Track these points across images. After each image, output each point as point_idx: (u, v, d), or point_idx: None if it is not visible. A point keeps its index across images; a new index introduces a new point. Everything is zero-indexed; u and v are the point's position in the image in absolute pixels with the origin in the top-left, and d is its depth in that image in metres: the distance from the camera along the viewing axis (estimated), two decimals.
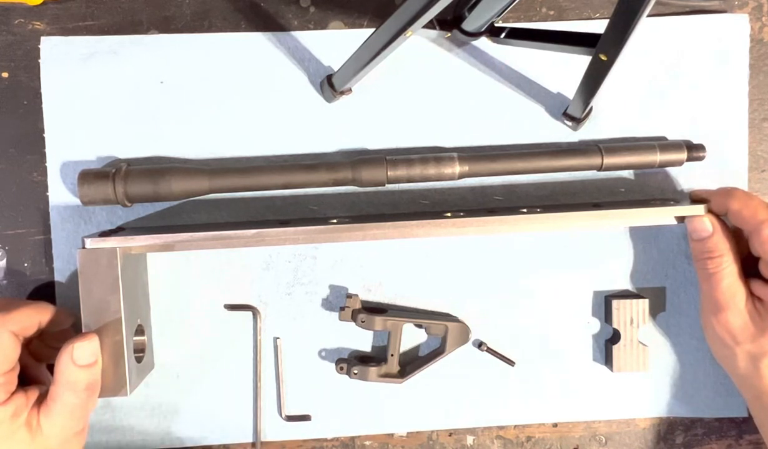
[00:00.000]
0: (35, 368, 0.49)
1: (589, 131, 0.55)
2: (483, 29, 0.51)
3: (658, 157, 0.52)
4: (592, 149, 0.52)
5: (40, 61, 0.52)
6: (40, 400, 0.44)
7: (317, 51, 0.53)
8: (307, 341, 0.55)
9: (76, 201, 0.52)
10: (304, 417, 0.55)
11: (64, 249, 0.52)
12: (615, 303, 0.54)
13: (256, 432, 0.54)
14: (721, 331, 0.49)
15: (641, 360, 0.54)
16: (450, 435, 0.56)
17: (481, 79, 0.54)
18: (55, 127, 0.52)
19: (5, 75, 0.52)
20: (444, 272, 0.55)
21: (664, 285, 0.56)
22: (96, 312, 0.46)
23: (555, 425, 0.56)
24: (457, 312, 0.55)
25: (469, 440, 0.56)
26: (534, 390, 0.56)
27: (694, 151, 0.53)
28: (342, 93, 0.52)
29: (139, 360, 0.49)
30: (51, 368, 0.47)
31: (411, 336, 0.55)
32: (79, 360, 0.43)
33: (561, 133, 0.55)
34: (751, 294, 0.49)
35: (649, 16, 0.38)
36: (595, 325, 0.56)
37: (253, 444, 0.54)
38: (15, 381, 0.44)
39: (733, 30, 0.55)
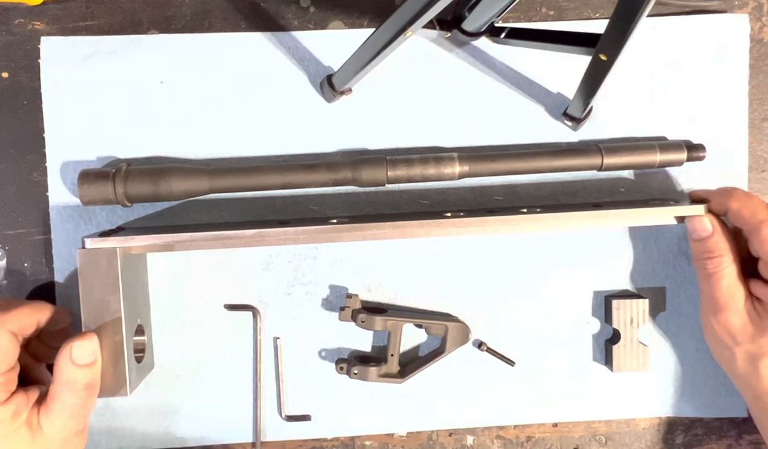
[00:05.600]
0: (35, 368, 0.49)
1: (589, 131, 0.55)
2: (483, 29, 0.51)
3: (658, 157, 0.52)
4: (592, 149, 0.52)
5: (40, 61, 0.52)
6: (41, 400, 0.44)
7: (317, 51, 0.53)
8: (307, 341, 0.55)
9: (76, 201, 0.52)
10: (304, 417, 0.55)
11: (64, 249, 0.52)
12: (615, 303, 0.54)
13: (256, 432, 0.54)
14: (721, 331, 0.49)
15: (641, 360, 0.54)
16: (450, 435, 0.56)
17: (481, 79, 0.54)
18: (55, 127, 0.52)
19: (5, 75, 0.52)
20: (444, 272, 0.55)
21: (664, 285, 0.56)
22: (96, 313, 0.46)
23: (555, 425, 0.57)
24: (457, 312, 0.55)
25: (469, 440, 0.56)
26: (534, 390, 0.56)
27: (694, 151, 0.53)
28: (342, 93, 0.52)
29: (139, 360, 0.49)
30: (51, 368, 0.47)
31: (411, 336, 0.55)
32: (78, 360, 0.43)
33: (561, 133, 0.55)
34: (751, 295, 0.49)
35: (649, 16, 0.38)
36: (595, 325, 0.56)
37: (253, 444, 0.54)
38: (15, 380, 0.44)
39: (733, 30, 0.55)
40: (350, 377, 0.53)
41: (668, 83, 0.55)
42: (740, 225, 0.48)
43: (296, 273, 0.54)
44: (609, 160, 0.52)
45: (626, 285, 0.56)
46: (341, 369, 0.53)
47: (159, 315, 0.53)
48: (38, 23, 0.52)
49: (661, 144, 0.53)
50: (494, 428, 0.56)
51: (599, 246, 0.55)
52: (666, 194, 0.55)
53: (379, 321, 0.52)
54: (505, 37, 0.52)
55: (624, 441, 0.57)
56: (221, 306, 0.54)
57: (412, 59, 0.54)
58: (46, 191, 0.53)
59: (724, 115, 0.55)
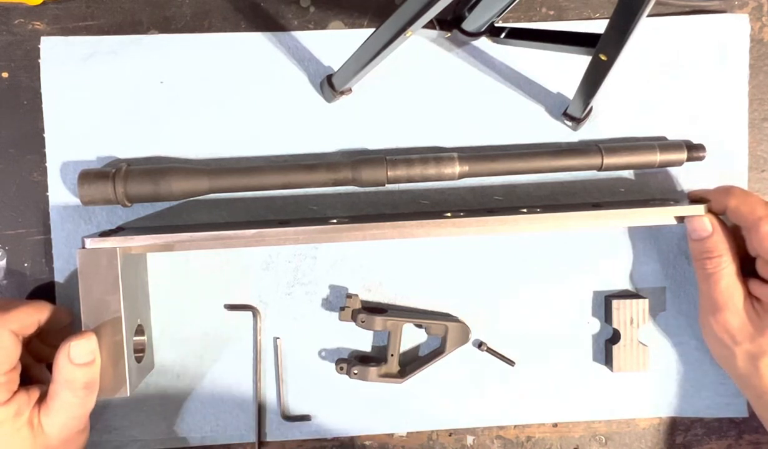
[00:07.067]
0: (36, 368, 0.49)
1: (589, 131, 0.55)
2: (483, 29, 0.51)
3: (658, 157, 0.52)
4: (592, 149, 0.52)
5: (40, 61, 0.52)
6: (42, 399, 0.45)
7: (317, 51, 0.53)
8: (307, 341, 0.55)
9: (76, 201, 0.52)
10: (304, 417, 0.55)
11: (64, 249, 0.52)
12: (615, 303, 0.54)
13: (256, 432, 0.54)
14: (720, 331, 0.49)
15: (641, 360, 0.54)
16: (450, 435, 0.56)
17: (481, 79, 0.54)
18: (55, 127, 0.52)
19: (5, 75, 0.52)
20: (444, 272, 0.55)
21: (664, 285, 0.56)
22: (96, 313, 0.46)
23: (555, 425, 0.57)
24: (457, 312, 0.55)
25: (469, 440, 0.56)
26: (534, 390, 0.56)
27: (694, 151, 0.53)
28: (342, 93, 0.52)
29: (139, 360, 0.49)
30: (51, 367, 0.47)
31: (411, 336, 0.55)
32: (76, 359, 0.43)
33: (561, 133, 0.55)
34: (749, 294, 0.49)
35: (649, 16, 0.38)
36: (595, 325, 0.56)
37: (253, 444, 0.54)
38: (17, 380, 0.44)
39: (733, 30, 0.55)
40: (350, 377, 0.53)
41: (668, 83, 0.55)
42: (739, 222, 0.48)
43: (296, 273, 0.54)
44: (609, 160, 0.52)
45: (626, 285, 0.56)
46: (341, 369, 0.53)
47: (159, 315, 0.53)
48: (38, 23, 0.52)
49: (661, 144, 0.53)
50: (494, 428, 0.56)
51: (599, 246, 0.55)
52: (666, 194, 0.55)
53: (379, 321, 0.52)
54: (505, 37, 0.52)
55: (624, 441, 0.57)
56: (221, 306, 0.54)
57: (412, 59, 0.54)
58: (46, 191, 0.53)
59: (724, 115, 0.55)
